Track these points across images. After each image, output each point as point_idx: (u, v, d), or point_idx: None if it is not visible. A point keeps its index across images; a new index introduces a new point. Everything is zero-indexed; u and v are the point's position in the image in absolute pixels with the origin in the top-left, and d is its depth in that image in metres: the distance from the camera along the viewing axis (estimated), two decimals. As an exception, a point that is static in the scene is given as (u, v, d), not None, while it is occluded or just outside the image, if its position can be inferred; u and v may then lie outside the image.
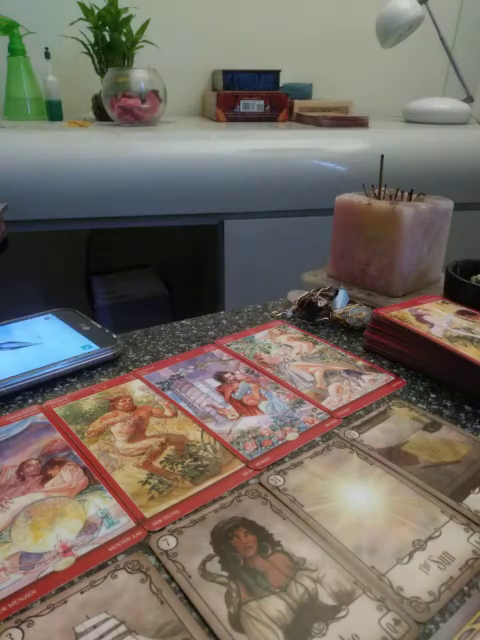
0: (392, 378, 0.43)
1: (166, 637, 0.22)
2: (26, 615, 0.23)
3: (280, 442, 0.35)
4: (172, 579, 0.25)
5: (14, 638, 0.22)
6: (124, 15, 1.15)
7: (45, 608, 0.23)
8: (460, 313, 0.48)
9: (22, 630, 0.22)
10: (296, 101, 1.32)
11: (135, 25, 1.18)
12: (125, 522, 0.28)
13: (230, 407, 0.39)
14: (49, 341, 0.47)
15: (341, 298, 0.54)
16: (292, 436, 0.36)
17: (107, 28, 1.15)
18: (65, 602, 0.24)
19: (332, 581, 0.25)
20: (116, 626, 0.23)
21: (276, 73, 1.31)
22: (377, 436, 0.36)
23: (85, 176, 0.94)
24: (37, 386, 0.41)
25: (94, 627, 0.23)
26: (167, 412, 0.38)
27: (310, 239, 1.01)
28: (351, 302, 0.55)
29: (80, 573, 0.25)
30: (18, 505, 0.29)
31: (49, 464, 0.32)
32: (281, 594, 0.24)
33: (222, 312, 0.56)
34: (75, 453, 0.33)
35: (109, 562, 0.26)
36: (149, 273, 1.50)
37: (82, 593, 0.24)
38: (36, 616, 0.23)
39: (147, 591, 0.24)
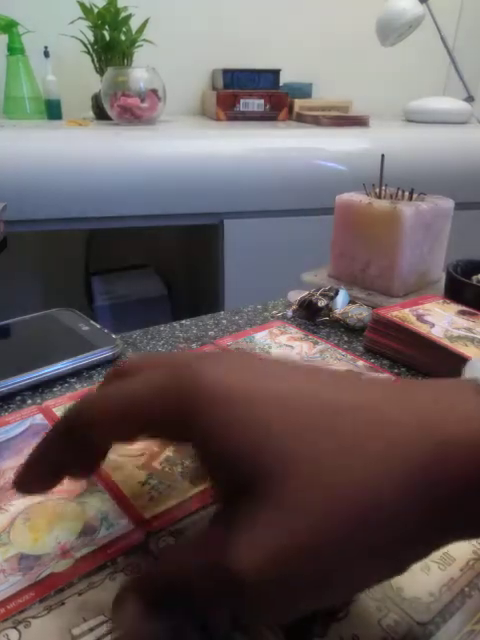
0: (393, 378, 0.43)
1: (165, 639, 0.22)
2: (23, 616, 0.23)
3: (280, 442, 0.35)
4: (171, 581, 0.25)
5: (11, 639, 0.22)
6: (123, 14, 1.15)
7: (42, 610, 0.23)
8: (461, 313, 0.48)
9: (19, 631, 0.22)
10: (296, 100, 1.32)
11: (134, 24, 1.18)
12: (124, 524, 0.28)
13: (230, 407, 0.38)
14: (49, 341, 0.46)
15: (341, 298, 0.53)
16: (292, 436, 0.35)
17: (106, 27, 1.15)
18: (63, 604, 0.24)
19: (332, 583, 0.25)
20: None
21: (276, 72, 1.31)
22: (377, 436, 0.35)
23: (85, 175, 0.94)
24: (36, 386, 0.41)
25: (91, 630, 0.22)
26: (166, 412, 0.38)
27: (310, 239, 1.01)
28: (351, 302, 0.55)
29: (79, 575, 0.25)
30: (17, 507, 0.29)
31: (48, 465, 0.32)
32: (281, 596, 0.24)
33: (222, 312, 0.56)
34: (74, 454, 0.33)
35: (108, 563, 0.26)
36: (149, 273, 1.51)
37: (80, 595, 0.24)
38: (33, 617, 0.23)
39: (146, 593, 0.24)
